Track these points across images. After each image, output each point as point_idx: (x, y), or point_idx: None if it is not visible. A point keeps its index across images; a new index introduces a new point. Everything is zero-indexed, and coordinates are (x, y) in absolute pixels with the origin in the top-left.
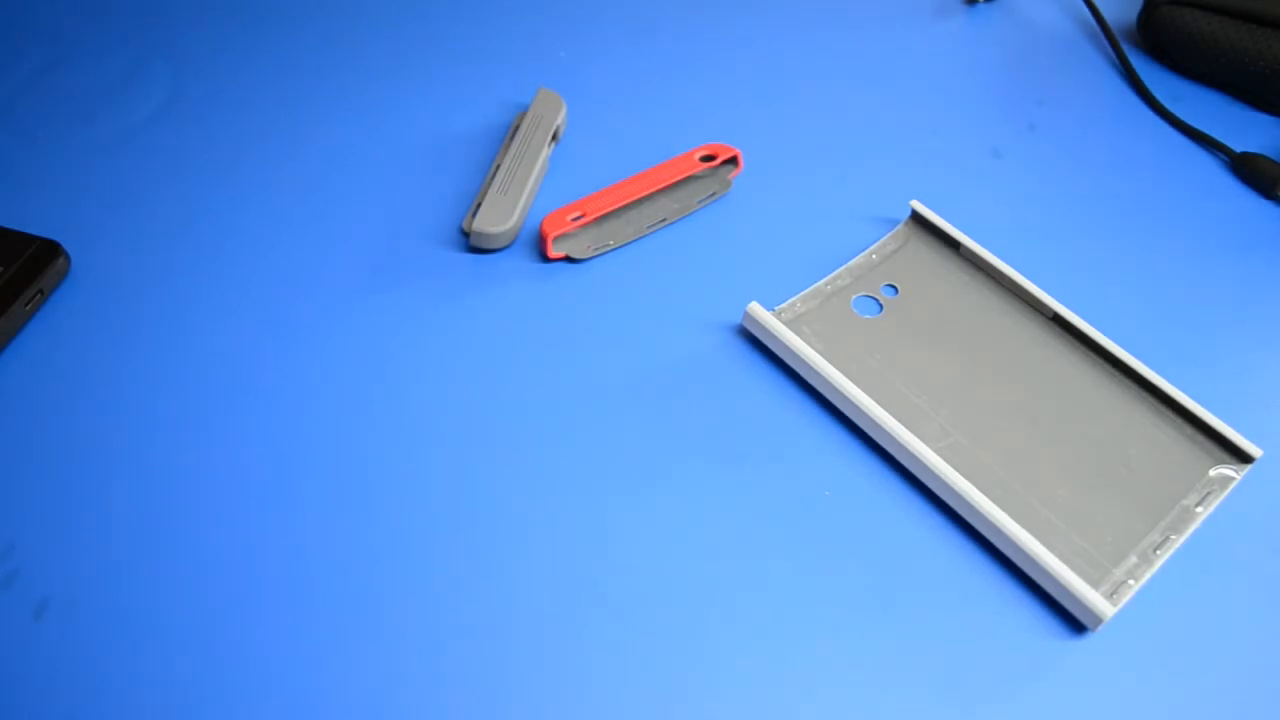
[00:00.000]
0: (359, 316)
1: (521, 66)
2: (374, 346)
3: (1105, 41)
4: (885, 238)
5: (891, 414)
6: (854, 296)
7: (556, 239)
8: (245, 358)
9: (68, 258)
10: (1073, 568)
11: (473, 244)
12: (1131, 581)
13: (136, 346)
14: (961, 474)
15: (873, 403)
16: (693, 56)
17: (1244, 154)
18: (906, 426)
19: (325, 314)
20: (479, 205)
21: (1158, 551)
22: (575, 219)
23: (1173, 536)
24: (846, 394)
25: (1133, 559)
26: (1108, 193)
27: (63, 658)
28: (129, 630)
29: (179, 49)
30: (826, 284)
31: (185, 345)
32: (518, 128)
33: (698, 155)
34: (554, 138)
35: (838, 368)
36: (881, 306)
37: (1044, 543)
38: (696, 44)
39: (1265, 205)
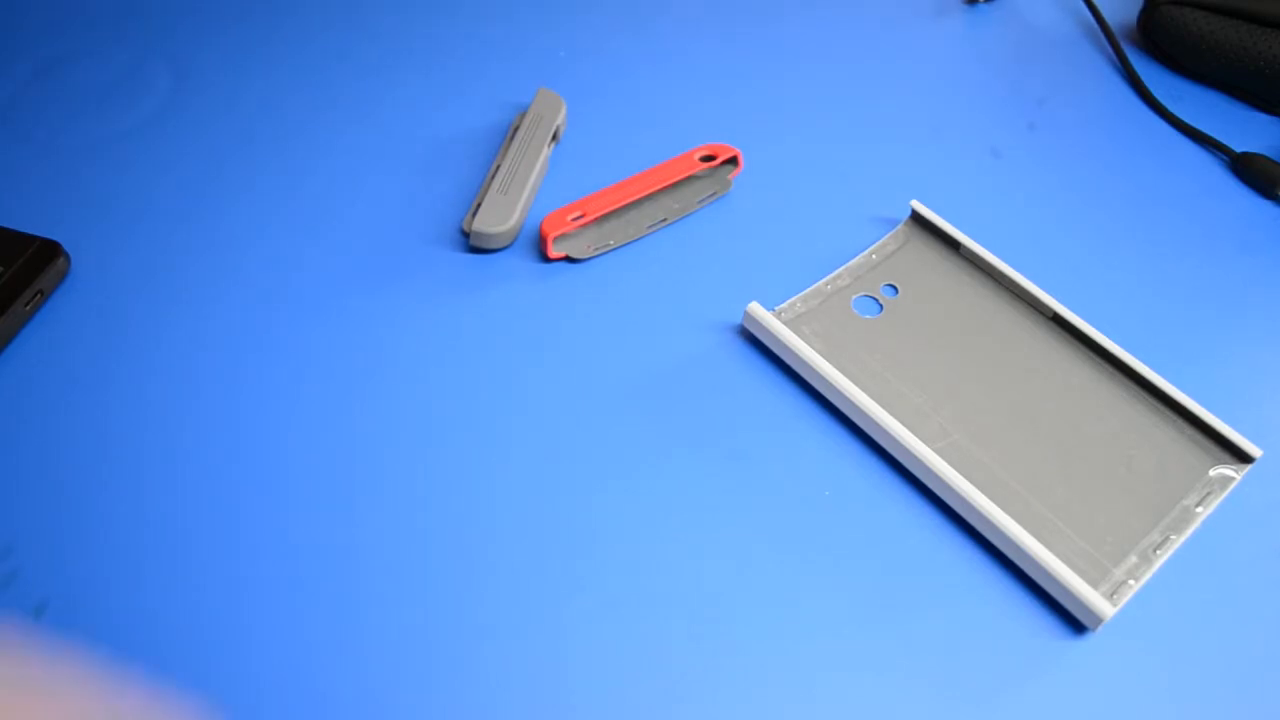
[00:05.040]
0: (359, 316)
1: (521, 66)
2: (374, 346)
3: (1105, 41)
4: (885, 238)
5: (891, 414)
6: (854, 296)
7: (556, 239)
8: (244, 357)
9: (68, 258)
10: (1073, 568)
11: (473, 244)
12: (1131, 581)
13: (136, 346)
14: (961, 474)
15: (873, 403)
16: (693, 56)
17: (1244, 154)
18: (906, 426)
19: (325, 313)
20: (479, 205)
21: (1158, 551)
22: (575, 219)
23: (1173, 536)
24: (846, 394)
25: (1133, 559)
26: (1108, 192)
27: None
28: (128, 631)
29: (178, 49)
30: (826, 284)
31: (184, 345)
32: (518, 128)
33: (698, 155)
34: (554, 138)
35: (837, 368)
36: (881, 306)
37: (1044, 543)
38: (696, 44)
39: (1265, 205)
